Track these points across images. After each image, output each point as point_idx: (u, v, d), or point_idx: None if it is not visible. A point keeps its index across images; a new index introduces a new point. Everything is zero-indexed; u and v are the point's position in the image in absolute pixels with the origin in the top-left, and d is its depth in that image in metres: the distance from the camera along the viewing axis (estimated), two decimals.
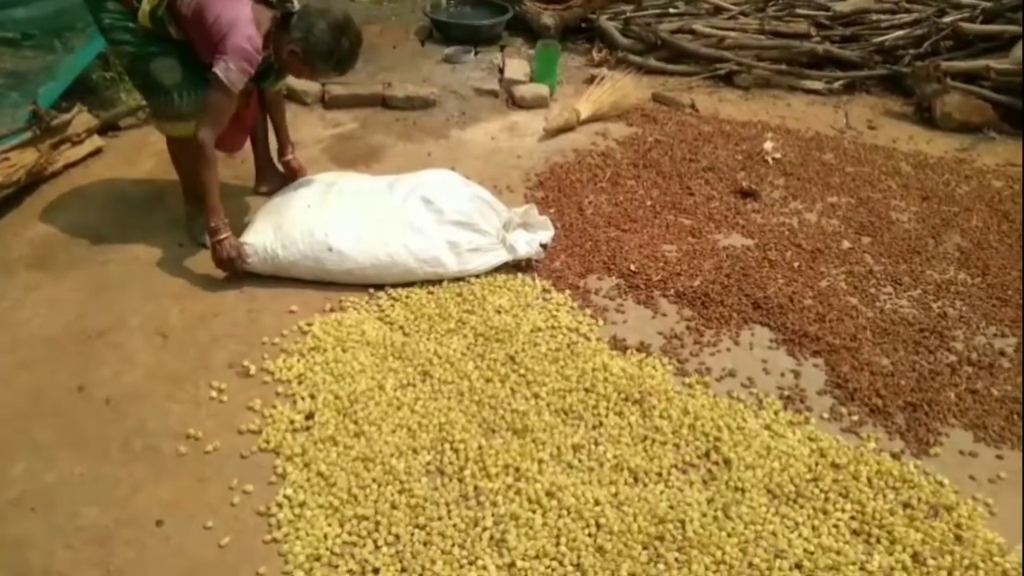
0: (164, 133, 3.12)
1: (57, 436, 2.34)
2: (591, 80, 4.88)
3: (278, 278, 3.03)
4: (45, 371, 2.58)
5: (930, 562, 2.07)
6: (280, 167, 3.53)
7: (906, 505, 2.24)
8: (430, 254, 2.99)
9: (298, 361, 2.65)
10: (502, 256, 3.10)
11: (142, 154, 3.91)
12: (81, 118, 3.76)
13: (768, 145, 4.23)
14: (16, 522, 2.08)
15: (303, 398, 2.51)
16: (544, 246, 3.24)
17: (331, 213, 3.05)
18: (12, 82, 4.00)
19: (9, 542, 2.02)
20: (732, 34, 5.38)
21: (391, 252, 2.97)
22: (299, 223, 3.00)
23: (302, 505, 2.15)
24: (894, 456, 2.42)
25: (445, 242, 3.01)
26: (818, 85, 5.17)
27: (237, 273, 3.00)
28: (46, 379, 2.55)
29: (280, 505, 2.15)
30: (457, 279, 3.05)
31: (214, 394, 2.52)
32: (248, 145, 3.49)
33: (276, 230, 3.00)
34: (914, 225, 3.66)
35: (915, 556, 2.09)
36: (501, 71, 5.09)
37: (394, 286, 3.02)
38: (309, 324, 2.81)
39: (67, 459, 2.27)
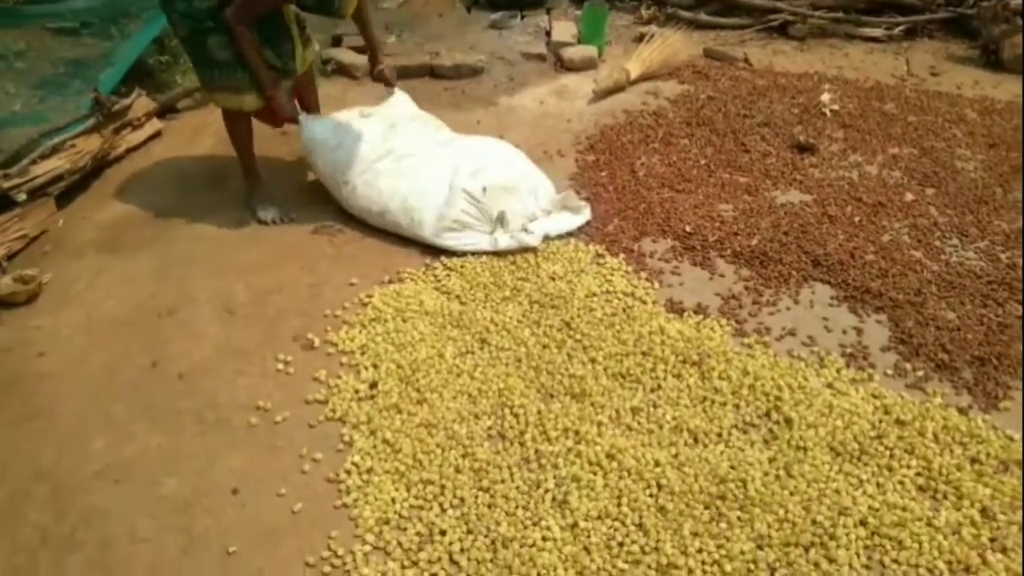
0: (217, 104, 3.23)
1: (133, 411, 2.44)
2: (640, 38, 4.82)
3: (338, 253, 3.10)
4: (118, 349, 2.69)
5: (1000, 517, 2.04)
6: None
7: (974, 460, 2.20)
8: (418, 214, 3.08)
9: (360, 332, 2.71)
10: (482, 244, 3.07)
11: (201, 134, 4.00)
12: (140, 102, 3.87)
13: (825, 97, 4.12)
14: (100, 493, 2.19)
15: (366, 368, 2.57)
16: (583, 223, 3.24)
17: (368, 152, 3.22)
18: (73, 70, 4.12)
19: (95, 512, 2.13)
20: None
21: (391, 201, 3.11)
22: (342, 149, 3.22)
23: (369, 471, 2.22)
24: (961, 411, 2.37)
25: (436, 209, 3.07)
26: (877, 32, 5.00)
27: (291, 119, 3.24)
28: (120, 357, 2.65)
29: (348, 472, 2.22)
30: (513, 249, 3.05)
31: (280, 367, 2.59)
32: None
33: (331, 135, 3.25)
34: (980, 174, 3.54)
35: (984, 511, 2.05)
36: (548, 34, 5.05)
37: (449, 256, 3.05)
38: (369, 296, 2.87)
39: (144, 433, 2.37)
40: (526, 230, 3.09)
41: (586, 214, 3.25)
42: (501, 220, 3.07)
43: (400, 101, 3.51)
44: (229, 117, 3.25)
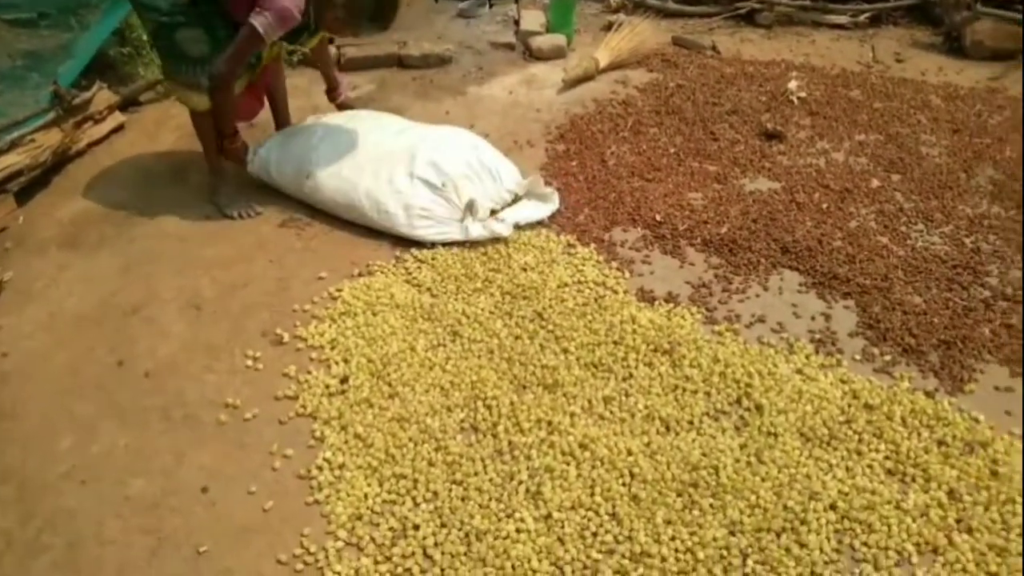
0: (184, 104, 3.15)
1: (99, 410, 2.40)
2: (609, 27, 4.81)
3: (306, 247, 3.07)
4: (83, 347, 2.64)
5: (966, 498, 2.07)
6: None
7: (941, 443, 2.23)
8: (384, 207, 3.05)
9: (330, 326, 2.69)
10: (454, 234, 3.06)
11: (163, 128, 3.94)
12: (102, 95, 3.79)
13: (793, 84, 4.14)
14: (67, 494, 2.15)
15: (337, 362, 2.54)
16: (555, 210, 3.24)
17: (326, 146, 3.23)
18: (31, 63, 4.02)
19: (61, 514, 2.09)
20: None
21: (356, 194, 3.10)
22: (298, 147, 3.25)
23: (341, 467, 2.20)
24: (928, 395, 2.40)
25: (401, 200, 3.04)
26: (843, 19, 5.04)
27: (239, 163, 3.31)
28: (84, 355, 2.61)
29: (320, 468, 2.20)
30: (484, 241, 3.05)
31: (249, 363, 2.56)
32: (264, 115, 3.55)
33: (280, 148, 3.29)
34: (945, 159, 3.59)
35: (951, 493, 2.08)
36: (516, 23, 5.03)
37: (419, 248, 3.03)
38: (339, 290, 2.84)
39: (111, 432, 2.33)
40: (497, 219, 3.08)
41: (555, 201, 3.24)
42: (471, 208, 3.06)
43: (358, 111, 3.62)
44: (199, 114, 3.18)
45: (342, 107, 3.69)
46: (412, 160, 3.09)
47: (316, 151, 3.20)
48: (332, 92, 3.70)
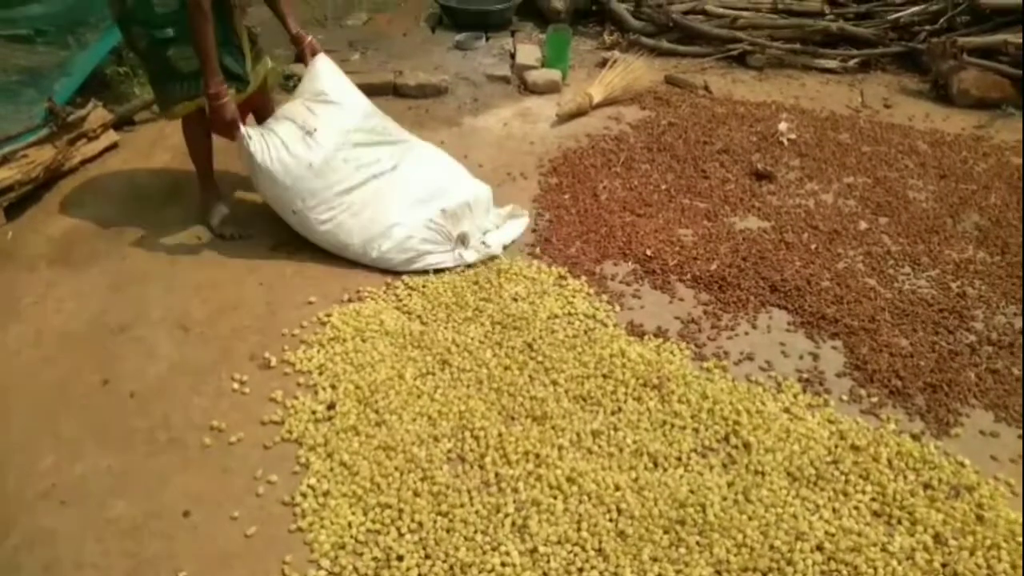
0: (175, 117, 3.15)
1: (83, 430, 2.38)
2: (603, 64, 4.86)
3: (296, 271, 3.07)
4: (69, 366, 2.61)
5: (951, 542, 2.07)
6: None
7: (927, 486, 2.24)
8: (378, 246, 3.04)
9: (318, 352, 2.68)
10: (447, 262, 3.09)
11: (157, 148, 3.94)
12: (96, 113, 3.79)
13: (783, 126, 4.20)
14: (46, 515, 2.12)
15: (324, 388, 2.53)
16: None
17: (316, 185, 3.01)
18: (27, 79, 4.03)
19: (40, 535, 2.06)
20: (745, 14, 5.33)
21: (347, 238, 3.06)
22: (288, 176, 2.99)
23: (326, 494, 2.18)
24: (914, 437, 2.41)
25: (394, 238, 3.04)
26: (833, 64, 5.12)
27: (232, 138, 3.00)
28: (71, 374, 2.58)
29: (304, 495, 2.18)
30: (471, 267, 3.07)
31: (236, 386, 2.55)
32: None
33: (276, 159, 2.97)
34: (932, 204, 3.63)
35: (936, 537, 2.09)
36: (512, 57, 5.08)
37: (410, 275, 3.03)
38: (328, 315, 2.83)
39: (94, 452, 2.30)
40: (485, 243, 3.14)
41: (526, 218, 3.38)
42: (463, 240, 3.08)
43: (323, 71, 3.22)
44: (189, 129, 3.19)
45: (306, 51, 3.25)
46: (412, 201, 3.10)
47: (307, 193, 3.01)
48: (294, 40, 3.26)
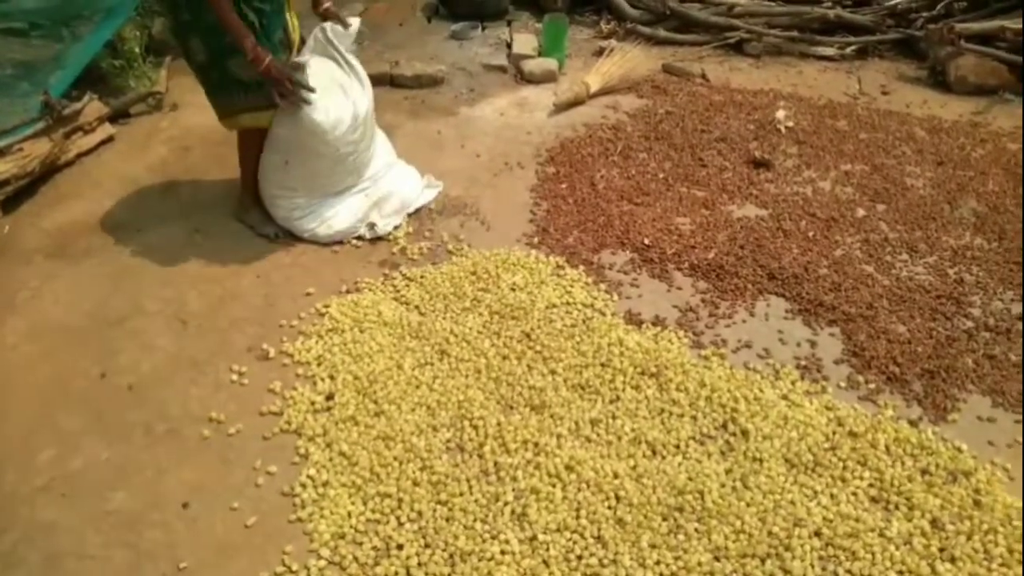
0: (237, 127, 3.07)
1: (82, 423, 2.38)
2: (600, 53, 4.85)
3: (294, 262, 3.07)
4: (67, 359, 2.61)
5: (949, 527, 2.08)
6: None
7: (924, 472, 2.24)
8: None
9: (316, 343, 2.68)
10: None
11: (153, 140, 3.93)
12: (92, 106, 3.78)
13: (780, 114, 4.19)
14: (46, 508, 2.12)
15: (323, 379, 2.53)
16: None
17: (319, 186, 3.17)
18: (22, 72, 4.01)
19: (39, 528, 2.07)
20: (742, 1, 5.32)
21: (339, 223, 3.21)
22: (308, 170, 3.12)
23: (325, 484, 2.18)
24: (912, 423, 2.42)
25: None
26: (830, 51, 5.11)
27: (299, 95, 2.84)
28: (68, 367, 2.58)
29: (304, 485, 2.18)
30: (469, 257, 3.07)
31: (235, 377, 2.55)
32: None
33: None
34: (929, 191, 3.63)
35: (934, 522, 2.09)
36: (509, 46, 5.06)
37: (408, 266, 3.03)
38: (326, 306, 2.83)
39: (93, 445, 2.30)
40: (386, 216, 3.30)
41: (437, 187, 3.52)
42: (371, 226, 3.25)
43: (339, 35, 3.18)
44: (246, 137, 3.11)
45: (326, 16, 3.16)
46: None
47: (303, 204, 3.18)
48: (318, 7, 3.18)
